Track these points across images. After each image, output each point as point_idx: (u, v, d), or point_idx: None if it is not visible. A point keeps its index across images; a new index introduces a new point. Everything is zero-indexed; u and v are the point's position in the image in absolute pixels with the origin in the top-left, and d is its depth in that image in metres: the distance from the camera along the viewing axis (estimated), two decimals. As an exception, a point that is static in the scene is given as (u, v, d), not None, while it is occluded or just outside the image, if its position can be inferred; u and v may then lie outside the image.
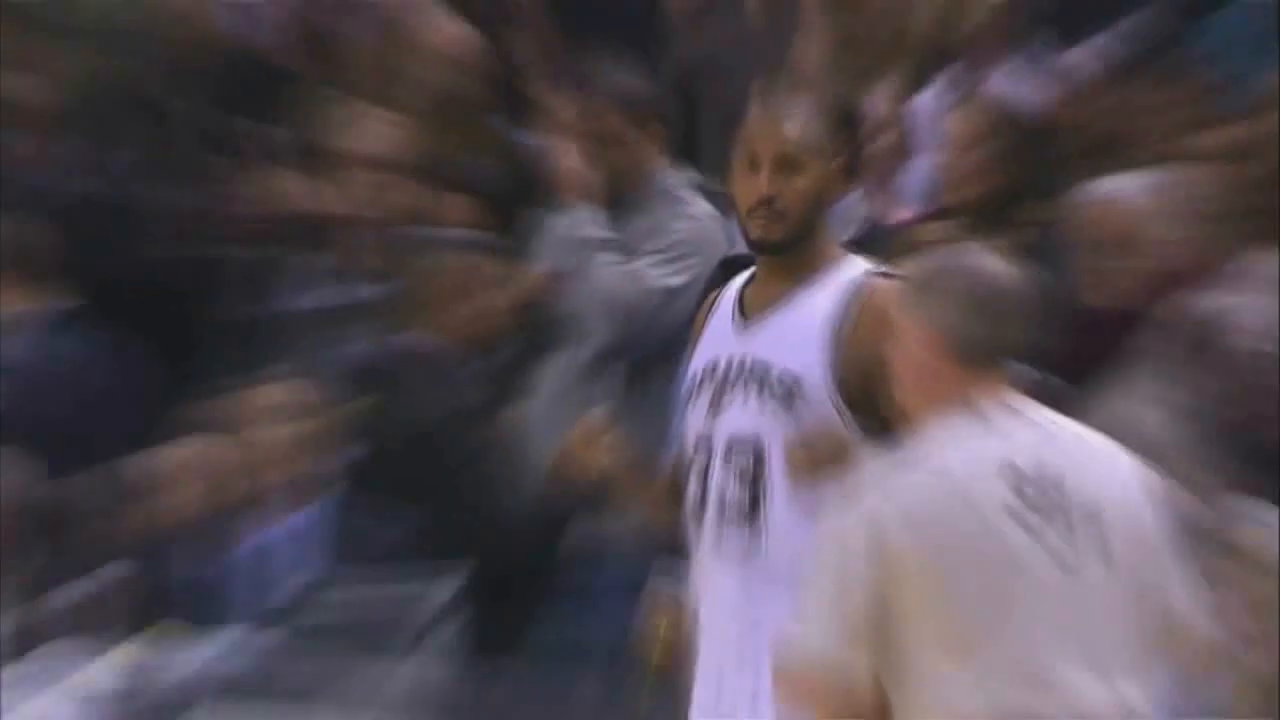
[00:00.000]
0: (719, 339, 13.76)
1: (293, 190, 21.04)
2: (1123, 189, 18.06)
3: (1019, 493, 12.07)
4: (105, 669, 18.27)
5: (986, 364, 12.06)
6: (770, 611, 13.26)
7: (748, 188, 13.51)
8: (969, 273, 12.42)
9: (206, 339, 20.53)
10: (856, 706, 12.08)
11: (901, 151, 19.77)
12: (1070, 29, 20.96)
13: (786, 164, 13.69)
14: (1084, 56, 20.84)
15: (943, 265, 12.32)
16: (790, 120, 13.73)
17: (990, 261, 12.21)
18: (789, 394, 13.60)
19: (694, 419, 13.64)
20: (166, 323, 20.48)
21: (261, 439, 19.36)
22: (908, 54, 20.88)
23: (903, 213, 18.85)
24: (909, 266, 12.61)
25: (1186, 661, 12.30)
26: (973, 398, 12.08)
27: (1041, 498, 12.17)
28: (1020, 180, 18.94)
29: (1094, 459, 12.07)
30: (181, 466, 19.10)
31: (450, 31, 21.40)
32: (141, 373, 19.95)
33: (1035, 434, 12.08)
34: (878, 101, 19.95)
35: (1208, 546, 13.61)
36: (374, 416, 19.27)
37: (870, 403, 13.04)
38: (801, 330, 13.80)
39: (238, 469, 19.19)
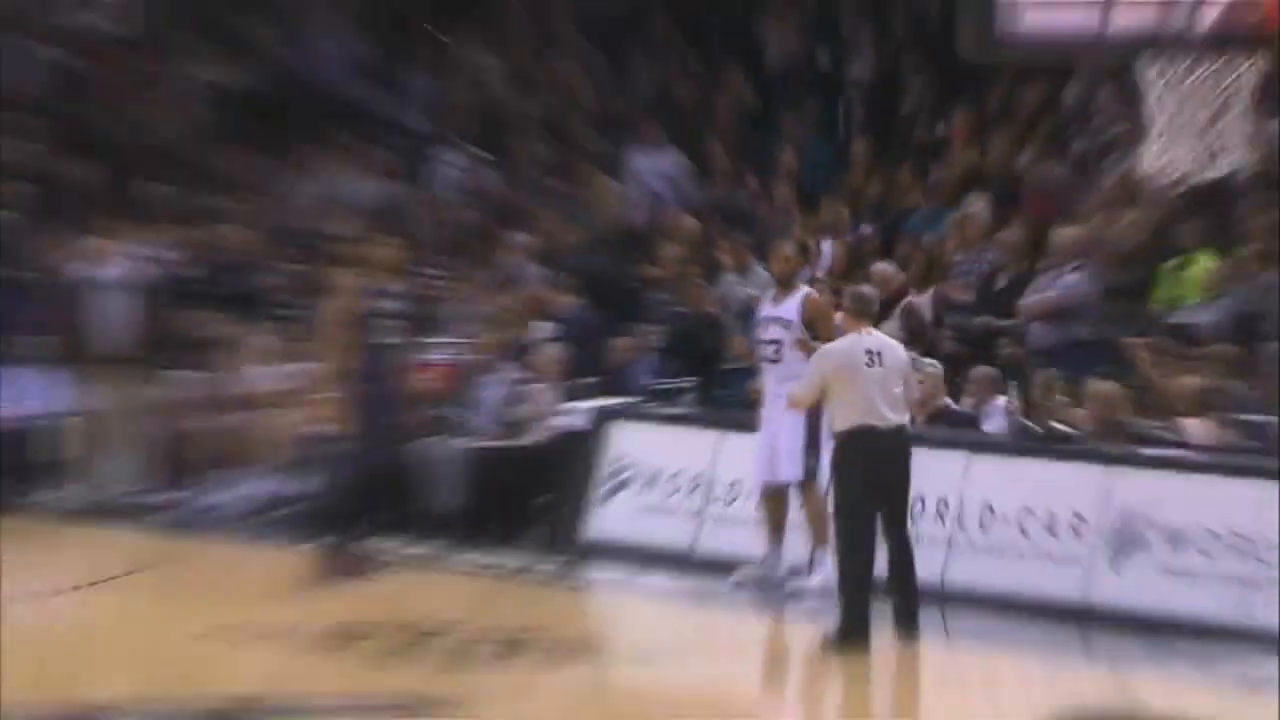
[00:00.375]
0: (766, 307, 15.44)
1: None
2: (885, 266, 18.09)
3: (867, 354, 13.35)
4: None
5: (859, 318, 13.65)
6: (784, 390, 14.74)
7: (774, 266, 15.64)
8: (856, 289, 14.00)
9: (628, 311, 19.11)
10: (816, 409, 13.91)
11: (819, 255, 18.95)
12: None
13: (786, 259, 15.53)
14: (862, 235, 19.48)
15: (851, 288, 14.16)
16: (788, 248, 15.69)
17: (864, 288, 14.23)
18: (787, 325, 15.23)
19: (760, 332, 15.40)
20: (613, 306, 19.33)
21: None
22: (820, 234, 19.05)
23: (818, 273, 18.31)
24: (821, 289, 15.82)
25: (912, 406, 13.83)
26: (855, 329, 13.62)
27: (872, 353, 13.35)
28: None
29: (886, 344, 13.56)
30: (622, 348, 18.43)
31: (689, 221, 19.89)
32: (605, 323, 18.87)
33: (873, 338, 13.52)
34: (814, 243, 18.98)
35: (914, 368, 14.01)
36: (670, 329, 18.82)
37: (812, 329, 14.99)
38: (790, 305, 15.27)
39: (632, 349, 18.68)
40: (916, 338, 17.46)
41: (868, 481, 13.40)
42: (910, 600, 13.54)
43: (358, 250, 16.37)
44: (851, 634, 13.33)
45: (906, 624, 13.52)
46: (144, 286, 19.05)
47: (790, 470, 15.30)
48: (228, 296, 19.48)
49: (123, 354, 18.91)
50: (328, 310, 16.22)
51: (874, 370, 13.50)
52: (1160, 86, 9.54)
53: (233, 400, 18.74)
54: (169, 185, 20.70)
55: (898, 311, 17.95)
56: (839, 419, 13.56)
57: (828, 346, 13.92)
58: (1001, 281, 17.64)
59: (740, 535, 15.87)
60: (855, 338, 13.72)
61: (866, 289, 14.44)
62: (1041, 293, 17.02)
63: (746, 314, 16.82)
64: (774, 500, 15.43)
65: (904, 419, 13.57)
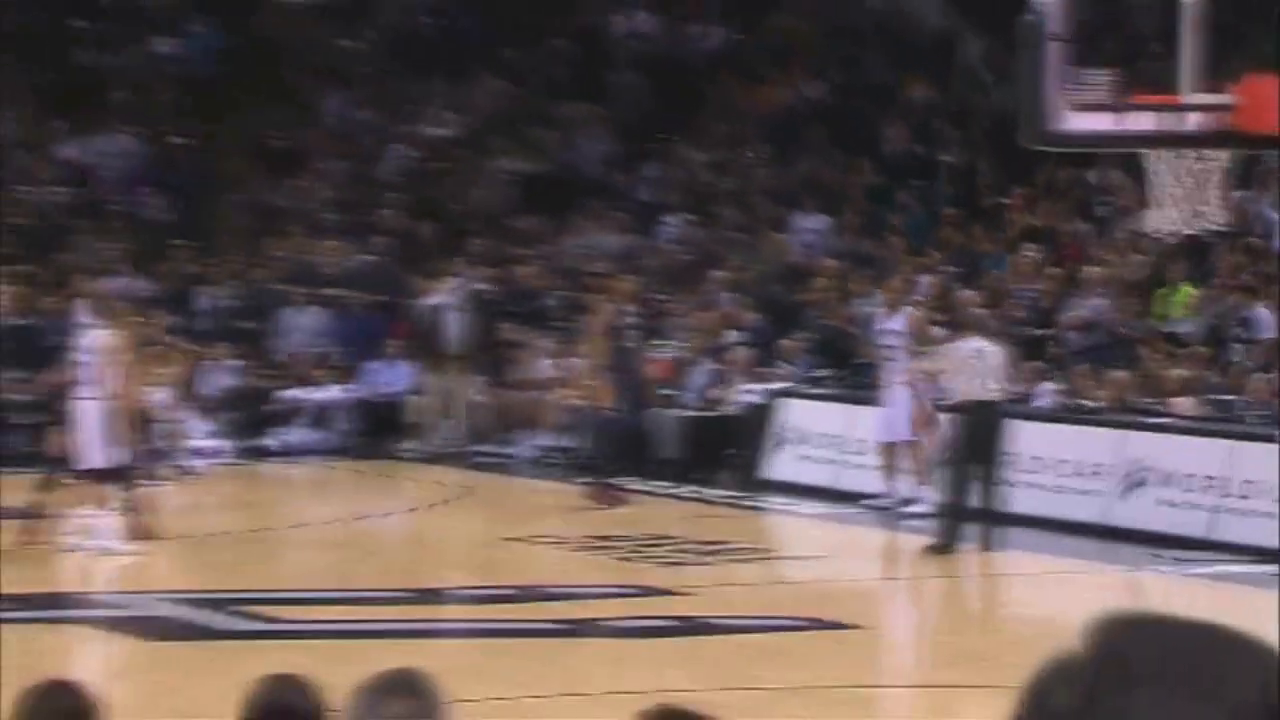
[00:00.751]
0: (883, 321, 15.23)
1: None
2: (966, 293, 17.09)
3: (975, 351, 13.15)
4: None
5: (970, 328, 13.56)
6: (897, 378, 14.76)
7: (889, 293, 15.69)
8: (971, 311, 14.27)
9: (791, 323, 18.25)
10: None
11: (920, 286, 16.99)
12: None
13: (897, 289, 15.65)
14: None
15: (968, 310, 14.37)
16: (898, 281, 15.95)
17: (974, 310, 14.43)
18: (898, 334, 14.98)
19: (879, 339, 15.24)
20: (781, 320, 18.34)
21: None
22: (921, 271, 17.91)
23: (919, 298, 16.39)
24: (920, 309, 15.34)
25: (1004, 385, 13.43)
26: (967, 335, 13.48)
27: (978, 351, 13.14)
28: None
29: (987, 346, 13.26)
30: (787, 349, 17.68)
31: (832, 262, 18.86)
32: (775, 332, 17.97)
33: (978, 341, 13.29)
34: (916, 278, 17.49)
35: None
36: (819, 336, 17.98)
37: (915, 336, 14.94)
38: (900, 320, 15.14)
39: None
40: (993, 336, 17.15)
41: (972, 438, 13.06)
42: (993, 522, 13.27)
43: (610, 283, 16.36)
44: (948, 545, 13.19)
45: (988, 538, 13.27)
46: (469, 307, 18.83)
47: (901, 432, 15.00)
48: (524, 314, 19.33)
49: (456, 352, 18.61)
50: (592, 322, 16.11)
51: (979, 363, 13.20)
52: (1159, 167, 9.18)
53: (526, 383, 18.59)
54: (485, 239, 20.62)
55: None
56: (956, 394, 13.27)
57: (950, 345, 13.70)
58: (1047, 303, 17.42)
59: (867, 476, 15.62)
60: (967, 340, 13.45)
61: (977, 311, 14.32)
62: (1074, 311, 16.84)
63: (870, 326, 16.57)
64: (890, 453, 15.19)
65: (999, 396, 13.30)
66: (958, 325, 13.75)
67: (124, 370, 12.53)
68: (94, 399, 12.38)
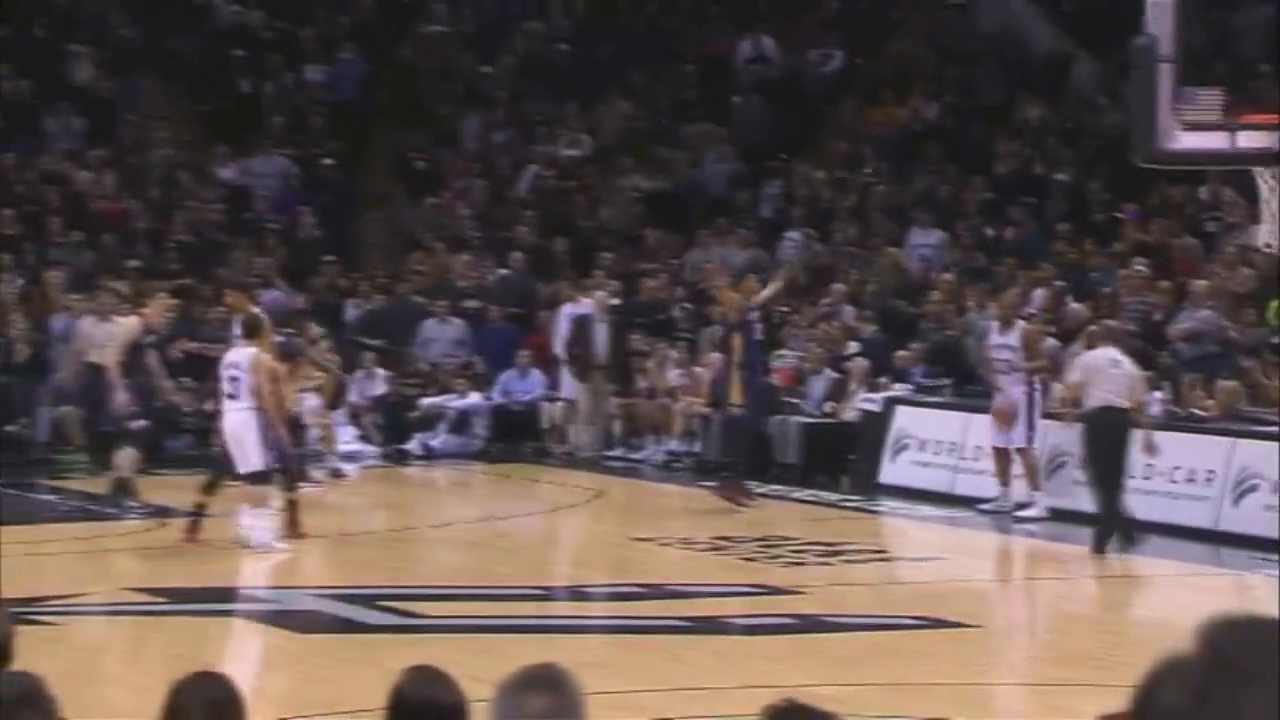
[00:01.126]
0: (995, 335, 14.98)
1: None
2: (1076, 307, 17.10)
3: (1109, 360, 13.03)
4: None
5: (1104, 340, 13.43)
6: (1009, 388, 14.58)
7: (1002, 306, 15.24)
8: (1104, 323, 14.09)
9: (907, 335, 17.95)
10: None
11: (1031, 299, 17.16)
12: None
13: (1009, 303, 15.37)
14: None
15: (1101, 322, 14.12)
16: (1010, 295, 15.36)
17: (1109, 322, 14.14)
18: (1011, 348, 14.78)
19: (992, 352, 14.95)
20: (897, 332, 18.02)
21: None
22: (1034, 285, 17.57)
23: (1031, 311, 16.43)
24: (1032, 323, 15.05)
25: (1136, 395, 13.27)
26: (1100, 346, 13.36)
27: (1111, 361, 13.02)
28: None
29: (1119, 357, 13.16)
30: (903, 359, 17.37)
31: (946, 276, 18.52)
32: (891, 343, 17.61)
33: (1111, 352, 13.19)
34: (1028, 291, 17.24)
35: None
36: (934, 347, 17.54)
37: (1027, 349, 14.72)
38: (1012, 334, 14.93)
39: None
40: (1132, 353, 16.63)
41: (1101, 445, 13.00)
42: (1113, 527, 13.17)
43: (738, 285, 16.00)
44: (1128, 544, 12.96)
45: (1104, 542, 13.12)
46: (600, 318, 18.71)
47: (1014, 439, 14.84)
48: (652, 325, 19.26)
49: (588, 361, 18.60)
50: (720, 312, 15.73)
51: (1112, 373, 13.12)
52: (1268, 185, 9.04)
53: (654, 391, 18.48)
54: (615, 254, 20.54)
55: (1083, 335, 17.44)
56: (1089, 402, 13.12)
57: (1085, 355, 13.54)
58: (1157, 316, 17.02)
59: (981, 481, 15.53)
60: (1101, 351, 13.35)
61: (1111, 323, 14.17)
62: (1184, 323, 16.57)
63: (984, 338, 16.26)
64: (1003, 458, 15.03)
65: (1128, 405, 13.18)
66: (1089, 337, 13.69)
67: (275, 379, 12.72)
68: (249, 407, 12.61)
